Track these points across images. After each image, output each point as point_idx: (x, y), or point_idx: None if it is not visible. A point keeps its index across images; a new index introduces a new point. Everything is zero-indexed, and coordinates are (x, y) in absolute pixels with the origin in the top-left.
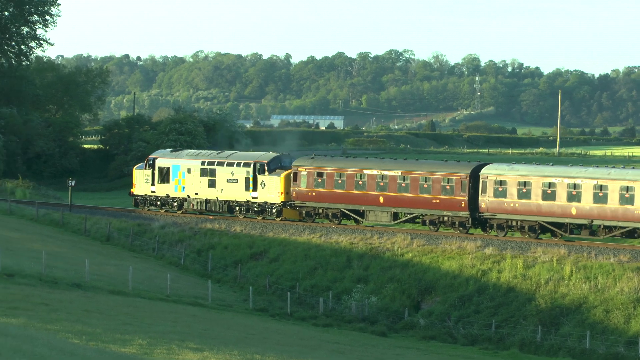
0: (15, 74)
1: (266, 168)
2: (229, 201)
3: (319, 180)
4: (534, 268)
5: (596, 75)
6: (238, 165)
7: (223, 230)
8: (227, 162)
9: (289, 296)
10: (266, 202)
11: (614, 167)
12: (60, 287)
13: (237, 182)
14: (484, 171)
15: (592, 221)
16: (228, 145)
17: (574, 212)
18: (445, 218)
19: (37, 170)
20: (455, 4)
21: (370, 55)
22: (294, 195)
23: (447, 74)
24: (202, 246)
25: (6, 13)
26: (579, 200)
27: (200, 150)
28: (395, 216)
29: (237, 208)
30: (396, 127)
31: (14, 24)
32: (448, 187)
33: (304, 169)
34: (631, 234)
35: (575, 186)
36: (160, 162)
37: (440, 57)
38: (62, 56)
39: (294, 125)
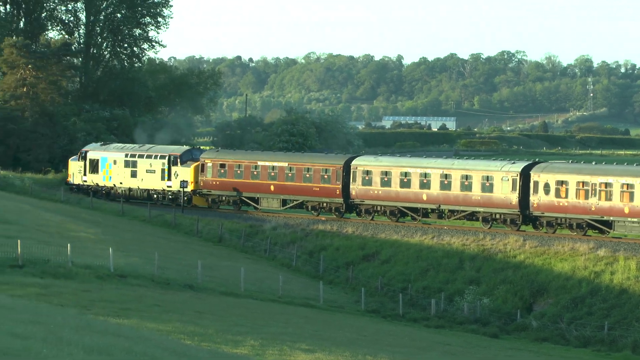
0: (128, 75)
1: (179, 160)
2: (148, 190)
3: (222, 171)
4: None
5: None
6: (155, 157)
7: (335, 231)
8: (147, 155)
9: (401, 297)
10: (179, 191)
11: (458, 158)
12: (172, 288)
13: (154, 172)
14: (354, 162)
15: (439, 206)
16: (340, 147)
17: (425, 198)
18: (324, 204)
19: None
20: (567, 5)
21: (482, 56)
22: (202, 184)
23: (560, 75)
24: (313, 248)
25: (119, 15)
26: (428, 188)
27: (125, 144)
28: (284, 202)
29: (155, 196)
30: (508, 128)
31: (126, 26)
32: (326, 176)
33: (209, 161)
34: (471, 216)
35: (426, 175)
36: (91, 155)
37: (552, 58)
38: (174, 58)
39: (405, 127)
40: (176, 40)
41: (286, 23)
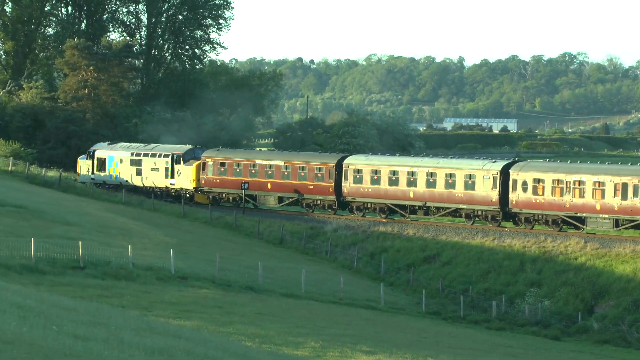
0: (189, 77)
1: (181, 159)
2: (152, 187)
3: (222, 170)
4: None
5: None
6: (159, 156)
7: (395, 233)
8: (151, 154)
9: (462, 299)
10: (181, 188)
11: (443, 157)
12: (233, 289)
13: (158, 170)
14: (345, 161)
15: (425, 203)
16: (401, 149)
17: (411, 195)
18: (318, 201)
19: None
20: (629, 7)
21: (544, 58)
22: (203, 182)
23: (621, 77)
24: (374, 249)
25: (180, 17)
26: (415, 186)
27: (131, 144)
28: (281, 200)
29: (159, 193)
30: (570, 130)
31: (188, 28)
32: (319, 175)
33: (210, 160)
34: (454, 213)
35: (413, 173)
36: (99, 154)
37: (614, 59)
38: (235, 60)
39: (467, 129)
40: (237, 42)
41: (347, 25)
